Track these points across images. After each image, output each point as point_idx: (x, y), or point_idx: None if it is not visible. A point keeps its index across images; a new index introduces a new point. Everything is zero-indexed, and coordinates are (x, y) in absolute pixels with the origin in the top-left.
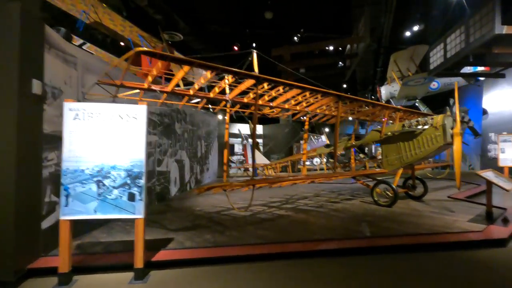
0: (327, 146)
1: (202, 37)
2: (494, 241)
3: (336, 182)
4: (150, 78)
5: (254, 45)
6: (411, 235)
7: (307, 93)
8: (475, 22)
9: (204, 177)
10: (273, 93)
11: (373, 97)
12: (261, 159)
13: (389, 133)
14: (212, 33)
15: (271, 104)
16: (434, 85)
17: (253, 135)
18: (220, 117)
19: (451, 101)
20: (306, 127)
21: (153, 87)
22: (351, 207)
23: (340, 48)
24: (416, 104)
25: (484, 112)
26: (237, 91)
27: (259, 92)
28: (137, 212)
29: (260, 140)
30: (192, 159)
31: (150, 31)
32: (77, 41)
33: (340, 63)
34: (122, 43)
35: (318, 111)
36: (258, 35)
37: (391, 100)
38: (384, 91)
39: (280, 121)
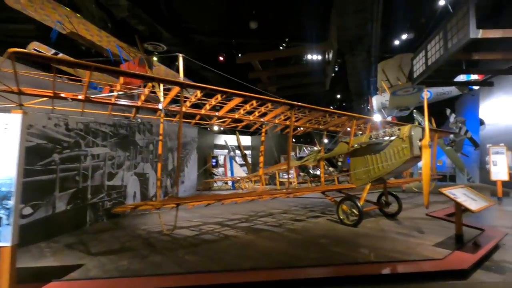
0: (299, 158)
1: (187, 47)
2: (453, 272)
3: (312, 197)
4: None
5: (240, 55)
6: (352, 264)
7: (254, 102)
8: (452, 27)
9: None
10: (213, 101)
11: (368, 108)
12: (239, 172)
13: (356, 145)
14: (198, 43)
15: (216, 113)
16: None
17: (178, 145)
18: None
19: (448, 111)
20: (263, 138)
21: (64, 94)
22: (313, 226)
23: (320, 57)
24: (414, 115)
25: (481, 122)
26: (168, 99)
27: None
28: (3, 239)
29: (248, 152)
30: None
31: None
32: (49, 51)
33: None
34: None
35: (276, 121)
36: (244, 44)
37: (383, 110)
38: (376, 101)
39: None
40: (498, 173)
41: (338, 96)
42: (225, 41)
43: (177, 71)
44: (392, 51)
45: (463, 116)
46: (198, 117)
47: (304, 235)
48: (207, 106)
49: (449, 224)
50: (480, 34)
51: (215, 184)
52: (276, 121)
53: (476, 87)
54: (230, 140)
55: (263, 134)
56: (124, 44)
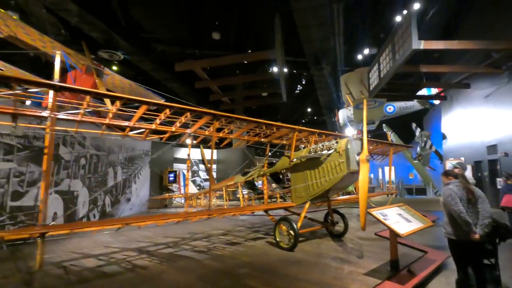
0: (244, 174)
1: (149, 57)
2: None
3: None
4: None
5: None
6: None
7: (167, 111)
8: (398, 39)
9: (120, 210)
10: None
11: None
12: (191, 188)
13: (295, 159)
14: (161, 53)
15: (127, 123)
16: (390, 108)
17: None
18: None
19: (413, 125)
20: (189, 152)
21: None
22: (245, 251)
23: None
24: (384, 129)
25: (444, 136)
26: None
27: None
28: None
29: (214, 166)
30: (95, 189)
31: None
32: None
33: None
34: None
35: (206, 132)
36: (208, 55)
37: (348, 124)
38: (342, 114)
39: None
40: None
41: (309, 110)
42: (187, 52)
43: (136, 80)
44: (358, 65)
45: (430, 131)
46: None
47: (226, 264)
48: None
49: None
50: (422, 45)
51: (174, 201)
52: (207, 132)
53: (437, 102)
54: (194, 153)
55: (189, 147)
56: (71, 51)
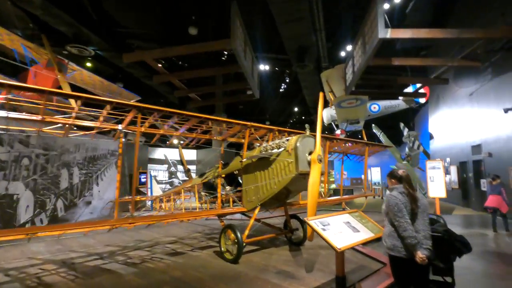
0: (201, 175)
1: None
2: None
3: (232, 218)
4: None
5: (180, 63)
6: None
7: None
8: (368, 29)
9: (78, 214)
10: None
11: None
12: (157, 190)
13: (245, 159)
14: (137, 49)
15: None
16: (375, 107)
17: None
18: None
19: (401, 125)
20: (120, 149)
21: None
22: (185, 263)
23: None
24: (374, 130)
25: (431, 136)
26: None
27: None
28: None
29: (192, 167)
30: (42, 192)
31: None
32: None
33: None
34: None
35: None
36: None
37: (333, 123)
38: (325, 114)
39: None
40: (435, 190)
41: (296, 109)
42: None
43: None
44: (342, 62)
45: (419, 130)
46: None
47: (149, 280)
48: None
49: (357, 256)
50: (389, 33)
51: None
52: (163, 131)
53: (422, 100)
54: (171, 154)
55: (120, 142)
56: (32, 44)
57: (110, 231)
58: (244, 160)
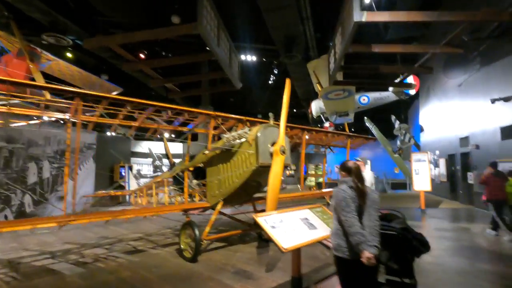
0: (170, 168)
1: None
2: None
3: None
4: None
5: (164, 53)
6: None
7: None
8: (346, 14)
9: (49, 209)
10: None
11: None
12: (133, 184)
13: (206, 151)
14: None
15: None
16: (364, 99)
17: None
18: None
19: (393, 118)
20: (68, 140)
21: None
22: (140, 262)
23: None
24: (366, 123)
25: (422, 129)
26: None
27: None
28: None
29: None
30: (6, 186)
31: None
32: None
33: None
34: None
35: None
36: (170, 41)
37: (322, 116)
38: (314, 106)
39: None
40: (420, 183)
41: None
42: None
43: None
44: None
45: (412, 123)
46: None
47: (93, 282)
48: None
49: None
50: (365, 17)
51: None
52: (134, 123)
53: (412, 92)
54: (157, 147)
55: (68, 133)
56: (2, 32)
57: (82, 227)
58: (207, 152)
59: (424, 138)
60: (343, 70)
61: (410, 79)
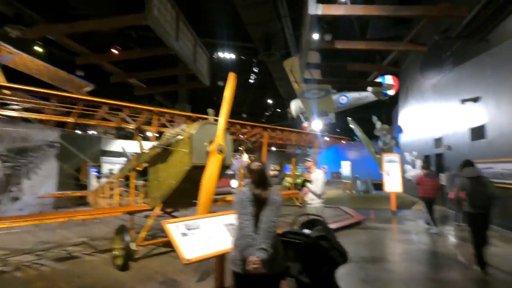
0: (121, 169)
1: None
2: None
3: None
4: None
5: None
6: None
7: None
8: (305, 8)
9: (8, 210)
10: None
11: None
12: (94, 185)
13: (145, 150)
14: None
15: None
16: (343, 99)
17: None
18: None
19: (374, 118)
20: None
21: None
22: (70, 268)
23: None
24: (350, 124)
25: (400, 130)
26: None
27: None
28: None
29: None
30: None
31: None
32: None
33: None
34: None
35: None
36: (146, 37)
37: (301, 115)
38: (294, 105)
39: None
40: (391, 184)
41: (271, 102)
42: (121, 33)
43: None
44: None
45: (395, 124)
46: None
47: None
48: None
49: None
50: (321, 10)
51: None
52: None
53: (391, 93)
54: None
55: None
56: None
57: (27, 230)
58: (145, 150)
59: (403, 139)
60: (312, 68)
61: (389, 80)
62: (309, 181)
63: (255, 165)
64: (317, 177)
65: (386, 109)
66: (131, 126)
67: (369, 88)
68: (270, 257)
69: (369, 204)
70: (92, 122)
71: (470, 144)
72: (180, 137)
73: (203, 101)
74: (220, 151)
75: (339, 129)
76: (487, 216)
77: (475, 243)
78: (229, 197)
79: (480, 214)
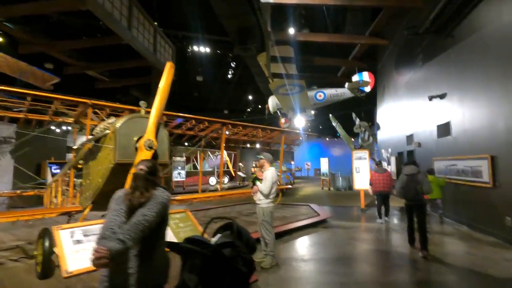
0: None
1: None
2: None
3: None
4: None
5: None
6: None
7: None
8: None
9: None
10: None
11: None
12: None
13: (75, 146)
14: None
15: None
16: (320, 95)
17: None
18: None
19: (353, 115)
20: None
21: None
22: None
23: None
24: (332, 122)
25: (378, 127)
26: None
27: None
28: None
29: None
30: None
31: None
32: None
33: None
34: None
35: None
36: (96, 27)
37: (279, 112)
38: (271, 102)
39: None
40: (360, 181)
41: (252, 98)
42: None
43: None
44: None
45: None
46: None
47: None
48: None
49: None
50: None
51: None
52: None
53: (367, 89)
54: None
55: None
56: None
57: None
58: (75, 147)
59: (380, 136)
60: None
61: (366, 76)
62: (260, 180)
63: (138, 168)
64: (266, 175)
65: (367, 107)
66: (69, 120)
67: (346, 85)
68: (143, 265)
69: (344, 201)
70: (18, 115)
71: (437, 141)
72: (107, 131)
73: (188, 97)
74: (150, 147)
75: (321, 126)
76: (419, 207)
77: (408, 228)
78: (180, 197)
79: (412, 205)
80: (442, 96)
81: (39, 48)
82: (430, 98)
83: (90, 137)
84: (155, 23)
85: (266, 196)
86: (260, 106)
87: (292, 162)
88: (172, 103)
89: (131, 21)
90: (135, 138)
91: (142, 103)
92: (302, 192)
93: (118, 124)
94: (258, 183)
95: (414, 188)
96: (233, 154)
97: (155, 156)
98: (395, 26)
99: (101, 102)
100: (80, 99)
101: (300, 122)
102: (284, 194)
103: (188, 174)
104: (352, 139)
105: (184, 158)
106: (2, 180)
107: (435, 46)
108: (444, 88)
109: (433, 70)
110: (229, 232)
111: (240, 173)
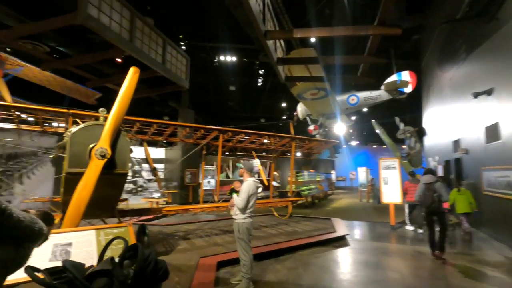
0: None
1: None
2: None
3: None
4: None
5: None
6: None
7: None
8: None
9: None
10: None
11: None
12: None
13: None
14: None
15: None
16: (353, 99)
17: None
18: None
19: (397, 120)
20: None
21: None
22: None
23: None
24: (375, 128)
25: (424, 132)
26: None
27: None
28: None
29: (161, 165)
30: None
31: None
32: None
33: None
34: None
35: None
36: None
37: (308, 118)
38: (300, 108)
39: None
40: (389, 194)
41: (286, 105)
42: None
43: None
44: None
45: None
46: None
47: None
48: None
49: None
50: None
51: None
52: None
53: (408, 90)
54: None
55: None
56: None
57: None
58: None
59: (427, 142)
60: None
61: (405, 76)
62: (237, 192)
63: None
64: (242, 187)
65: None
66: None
67: (383, 86)
68: None
69: (377, 216)
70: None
71: (486, 147)
72: (66, 139)
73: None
74: (102, 155)
75: (365, 133)
76: (438, 215)
77: (428, 235)
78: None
79: (429, 212)
80: (489, 92)
81: (58, 66)
82: (475, 96)
83: (56, 144)
84: (180, 36)
85: (242, 210)
86: (295, 114)
87: (333, 172)
88: (209, 113)
89: (133, 34)
90: (91, 146)
91: (101, 110)
92: (335, 204)
93: (72, 132)
94: (234, 195)
95: (431, 196)
96: (268, 163)
97: (111, 165)
98: (437, 20)
99: (79, 111)
100: (60, 109)
101: (340, 128)
102: (295, 207)
103: (222, 183)
104: (404, 146)
105: (215, 167)
106: (43, 186)
107: (478, 34)
108: (491, 82)
109: (477, 62)
110: (110, 259)
111: (274, 183)
